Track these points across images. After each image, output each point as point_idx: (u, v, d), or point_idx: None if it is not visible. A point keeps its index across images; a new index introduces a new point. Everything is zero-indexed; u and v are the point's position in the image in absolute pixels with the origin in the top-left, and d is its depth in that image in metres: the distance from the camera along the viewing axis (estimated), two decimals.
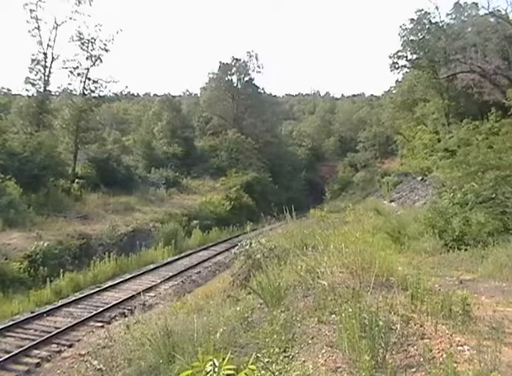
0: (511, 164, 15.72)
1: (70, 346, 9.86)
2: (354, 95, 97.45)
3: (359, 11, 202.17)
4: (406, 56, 38.34)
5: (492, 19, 30.64)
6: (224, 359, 2.28)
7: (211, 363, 2.24)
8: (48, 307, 12.52)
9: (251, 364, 2.32)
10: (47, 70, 29.87)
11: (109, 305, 12.61)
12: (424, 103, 38.49)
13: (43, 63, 29.62)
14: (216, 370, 2.20)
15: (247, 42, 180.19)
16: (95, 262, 16.80)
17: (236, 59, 54.36)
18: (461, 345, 4.58)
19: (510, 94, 24.93)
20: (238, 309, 6.69)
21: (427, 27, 36.18)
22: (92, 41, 30.34)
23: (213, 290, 11.69)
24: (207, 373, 2.21)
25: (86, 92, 31.09)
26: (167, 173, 35.99)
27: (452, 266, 10.66)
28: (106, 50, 30.84)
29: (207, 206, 31.39)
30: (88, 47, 30.42)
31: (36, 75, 29.82)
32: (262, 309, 6.51)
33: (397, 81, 48.66)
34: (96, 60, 30.86)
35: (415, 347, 4.55)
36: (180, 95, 71.84)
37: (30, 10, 28.63)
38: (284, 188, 46.95)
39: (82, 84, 31.06)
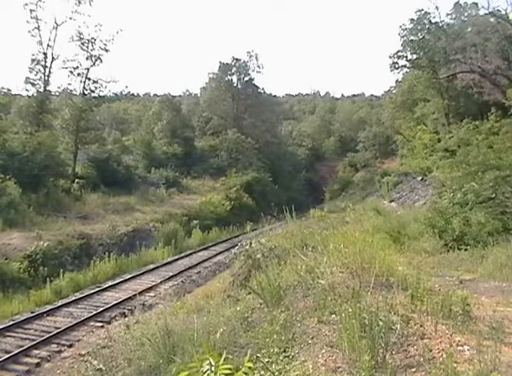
0: (511, 164, 15.72)
1: (70, 346, 9.87)
2: (354, 95, 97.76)
3: (359, 11, 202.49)
4: (406, 56, 38.35)
5: (492, 19, 30.60)
6: (220, 358, 2.27)
7: (208, 362, 2.23)
8: (48, 307, 12.52)
9: (248, 362, 2.31)
10: (47, 70, 29.87)
11: (109, 305, 12.61)
12: (424, 103, 38.47)
13: (43, 63, 29.61)
14: (213, 369, 2.19)
15: (247, 42, 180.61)
16: (95, 262, 16.80)
17: (236, 59, 54.35)
18: (461, 345, 4.58)
19: (510, 94, 24.91)
20: (238, 309, 6.70)
21: (427, 27, 36.15)
22: (92, 41, 30.36)
23: (213, 290, 11.69)
24: (204, 373, 2.20)
25: (86, 92, 31.09)
26: (167, 173, 35.98)
27: (452, 266, 10.67)
28: (106, 50, 30.88)
29: (207, 206, 31.39)
30: (88, 47, 30.44)
31: (36, 75, 29.84)
32: (262, 309, 6.51)
33: (397, 81, 48.68)
34: (96, 60, 30.87)
35: (415, 347, 4.55)
36: (180, 95, 71.79)
37: (30, 10, 28.63)
38: (284, 188, 46.91)
39: (82, 84, 31.11)
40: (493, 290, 7.94)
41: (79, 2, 29.32)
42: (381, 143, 57.15)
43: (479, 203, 13.90)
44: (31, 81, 29.82)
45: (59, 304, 12.87)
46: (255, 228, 21.38)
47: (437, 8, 36.01)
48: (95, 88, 31.34)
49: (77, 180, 28.00)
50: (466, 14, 36.91)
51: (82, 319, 11.44)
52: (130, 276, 16.39)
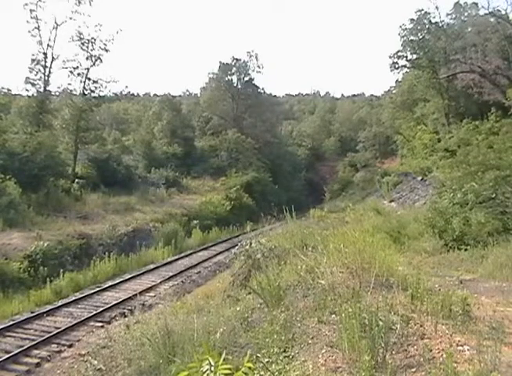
0: (511, 164, 15.72)
1: (70, 346, 9.86)
2: (354, 95, 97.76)
3: (359, 11, 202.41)
4: (406, 56, 38.38)
5: (492, 19, 30.63)
6: (220, 358, 2.27)
7: (208, 362, 2.23)
8: (48, 307, 12.52)
9: (248, 362, 2.30)
10: (47, 70, 29.86)
11: (109, 305, 12.61)
12: (424, 103, 38.50)
13: (43, 63, 29.60)
14: (213, 369, 2.19)
15: (247, 42, 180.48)
16: (95, 262, 16.79)
17: (236, 59, 54.33)
18: (461, 345, 4.58)
19: (510, 94, 24.92)
20: (238, 309, 6.69)
21: (427, 27, 36.19)
22: (92, 41, 30.36)
23: (213, 290, 11.69)
24: (204, 373, 2.19)
25: (86, 92, 31.09)
26: (167, 173, 35.99)
27: (452, 266, 10.67)
28: (106, 50, 30.89)
29: (207, 206, 31.39)
30: (88, 47, 30.44)
31: (36, 75, 29.83)
32: (262, 309, 6.51)
33: (397, 81, 48.76)
34: (96, 60, 30.87)
35: (415, 347, 4.55)
36: (180, 95, 71.73)
37: (30, 10, 28.62)
38: (284, 188, 46.92)
39: (82, 84, 31.11)
40: (493, 290, 7.94)
41: (79, 2, 29.35)
42: (381, 143, 57.23)
43: (479, 203, 13.89)
44: (31, 81, 29.85)
45: (59, 304, 12.87)
46: (255, 228, 21.37)
47: (437, 8, 36.13)
48: (95, 88, 31.38)
49: (77, 180, 28.00)
50: (466, 14, 36.97)
51: (82, 319, 11.44)
52: (130, 276, 16.39)
